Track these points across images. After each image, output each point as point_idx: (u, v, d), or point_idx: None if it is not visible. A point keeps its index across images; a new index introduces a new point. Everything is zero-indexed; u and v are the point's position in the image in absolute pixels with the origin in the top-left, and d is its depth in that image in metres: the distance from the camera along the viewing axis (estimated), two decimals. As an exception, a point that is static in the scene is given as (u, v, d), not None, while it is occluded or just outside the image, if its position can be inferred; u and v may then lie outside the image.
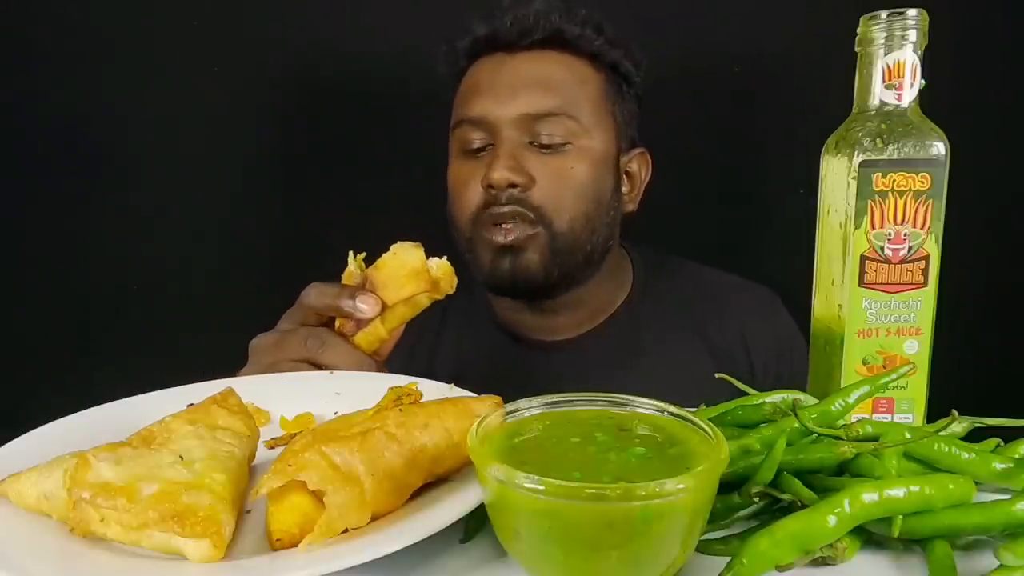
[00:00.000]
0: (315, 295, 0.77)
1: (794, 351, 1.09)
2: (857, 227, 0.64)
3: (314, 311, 0.77)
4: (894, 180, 0.63)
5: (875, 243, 0.64)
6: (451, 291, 0.77)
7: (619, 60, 1.09)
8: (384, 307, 0.76)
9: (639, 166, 1.14)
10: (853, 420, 0.57)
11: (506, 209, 1.01)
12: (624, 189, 1.12)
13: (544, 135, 1.02)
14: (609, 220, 1.08)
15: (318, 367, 0.75)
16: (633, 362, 1.10)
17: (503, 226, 1.02)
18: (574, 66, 1.06)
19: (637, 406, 0.49)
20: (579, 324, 1.14)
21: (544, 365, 1.11)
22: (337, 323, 0.78)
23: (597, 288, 1.12)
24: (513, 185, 1.00)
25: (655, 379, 1.07)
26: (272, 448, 0.61)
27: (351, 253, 0.79)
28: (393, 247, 0.77)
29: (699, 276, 1.19)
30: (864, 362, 0.66)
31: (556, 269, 1.04)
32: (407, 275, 0.76)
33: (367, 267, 0.78)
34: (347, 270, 0.79)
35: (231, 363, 0.78)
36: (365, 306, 0.75)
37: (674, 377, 1.07)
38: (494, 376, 1.11)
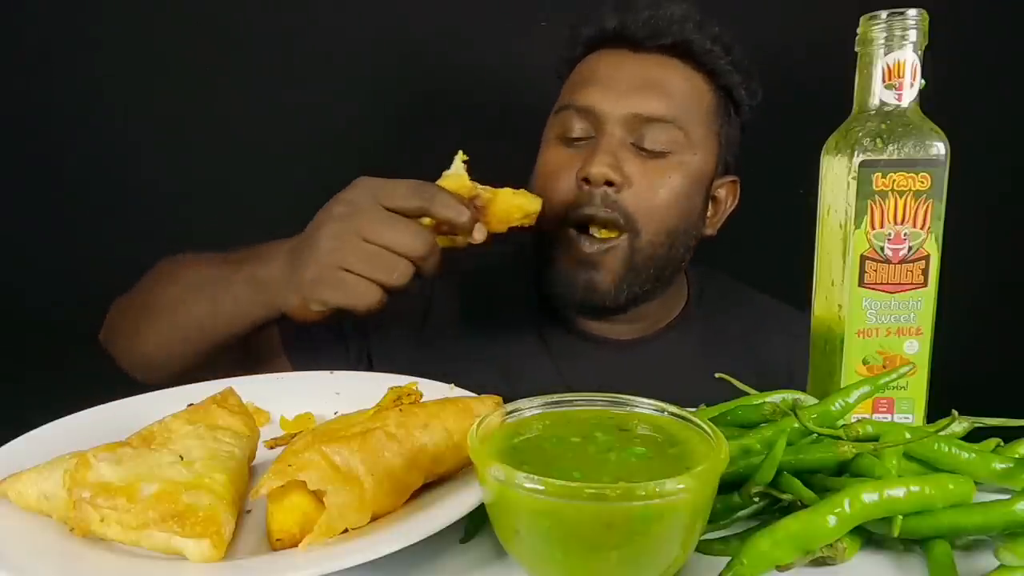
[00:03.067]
0: (444, 201, 0.75)
1: None
2: (857, 227, 0.64)
3: (408, 204, 0.74)
4: (894, 180, 0.63)
5: (875, 243, 0.64)
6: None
7: (736, 85, 1.07)
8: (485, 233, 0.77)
9: (727, 193, 1.13)
10: (853, 420, 0.57)
11: (598, 211, 0.97)
12: (709, 213, 1.10)
13: (648, 139, 1.00)
14: (691, 241, 1.06)
15: (399, 257, 0.72)
16: (683, 371, 1.07)
17: (590, 233, 0.99)
18: (693, 79, 1.04)
19: (637, 406, 0.49)
20: (633, 331, 1.12)
21: (592, 359, 1.10)
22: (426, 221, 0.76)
23: (659, 304, 1.11)
24: (609, 183, 0.97)
25: (702, 390, 1.05)
26: (272, 448, 0.61)
27: (460, 152, 0.78)
28: (515, 191, 0.79)
29: (750, 299, 1.18)
30: (864, 362, 0.66)
31: (626, 287, 1.02)
32: (517, 210, 0.78)
33: (478, 187, 0.79)
34: (452, 172, 0.78)
35: (231, 363, 0.78)
36: (480, 236, 0.77)
37: (720, 394, 1.04)
38: (537, 365, 1.09)
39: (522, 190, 0.79)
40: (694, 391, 0.93)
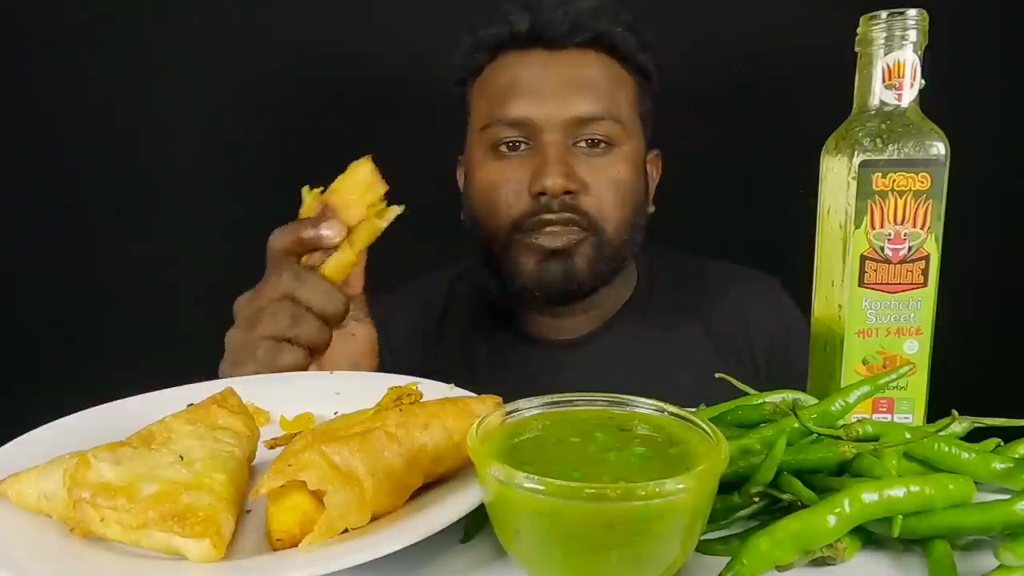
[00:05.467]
0: (278, 237, 0.76)
1: (792, 335, 1.08)
2: (857, 227, 0.64)
3: (282, 254, 0.76)
4: (894, 180, 0.63)
5: (875, 243, 0.64)
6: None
7: (647, 62, 1.08)
8: (347, 229, 0.75)
9: (653, 167, 1.14)
10: (853, 420, 0.57)
11: (557, 216, 0.98)
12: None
13: (592, 138, 1.00)
14: (642, 222, 1.08)
15: (296, 304, 0.74)
16: (639, 358, 1.10)
17: (553, 230, 0.99)
18: (613, 68, 1.05)
19: (637, 406, 0.49)
20: (588, 323, 1.13)
21: (552, 364, 1.11)
22: (304, 259, 0.77)
23: (612, 287, 1.12)
24: (568, 192, 0.98)
25: (662, 376, 1.07)
26: (272, 448, 0.61)
27: (305, 188, 0.78)
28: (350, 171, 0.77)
29: (700, 267, 1.19)
30: (864, 362, 0.66)
31: (601, 275, 1.03)
32: (363, 188, 0.76)
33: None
34: (303, 206, 0.78)
35: (231, 363, 0.78)
36: (329, 231, 0.74)
37: (680, 373, 1.07)
38: (499, 375, 1.10)
39: (357, 166, 0.77)
40: (657, 380, 0.95)
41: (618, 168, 1.02)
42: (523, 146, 1.01)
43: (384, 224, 0.77)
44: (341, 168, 0.78)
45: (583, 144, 1.01)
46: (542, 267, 1.01)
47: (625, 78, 1.06)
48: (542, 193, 0.98)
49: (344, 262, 0.76)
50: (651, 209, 1.13)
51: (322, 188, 0.78)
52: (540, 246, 1.00)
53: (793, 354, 1.07)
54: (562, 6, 1.02)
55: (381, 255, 0.81)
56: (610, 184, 1.01)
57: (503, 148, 1.02)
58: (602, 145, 1.01)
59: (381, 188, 0.76)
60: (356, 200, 0.76)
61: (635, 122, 1.06)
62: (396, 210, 0.77)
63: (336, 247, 0.75)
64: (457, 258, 1.23)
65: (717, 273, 1.18)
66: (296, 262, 0.77)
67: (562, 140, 1.00)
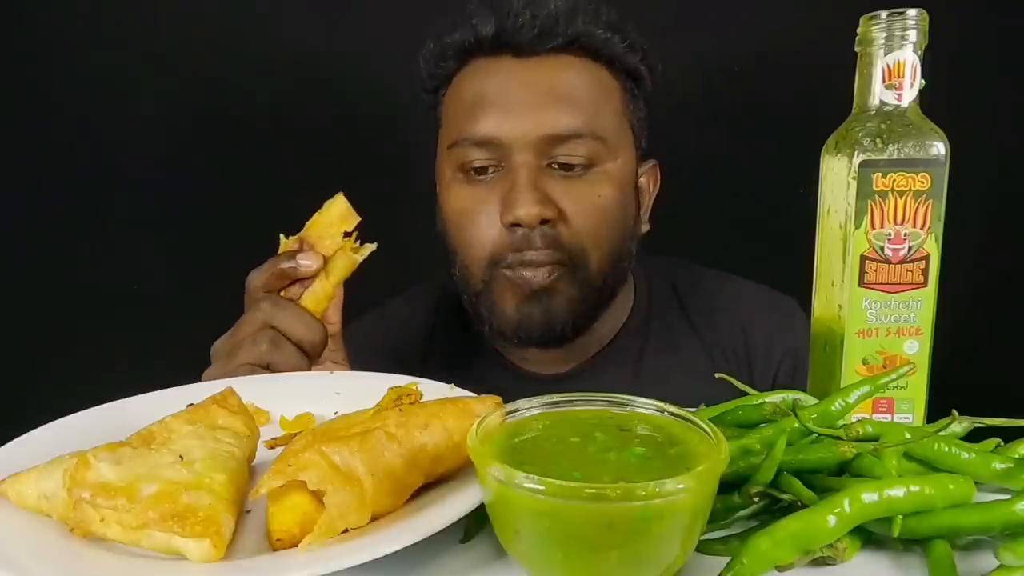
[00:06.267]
0: (255, 276, 0.77)
1: (800, 358, 0.99)
2: (857, 227, 0.64)
3: (261, 290, 0.76)
4: (894, 180, 0.63)
5: (875, 243, 0.64)
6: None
7: (637, 64, 0.96)
8: (324, 260, 0.77)
9: (649, 180, 1.02)
10: (853, 420, 0.57)
11: (539, 255, 0.88)
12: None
13: (565, 156, 0.88)
14: (632, 247, 0.97)
15: (278, 331, 0.74)
16: (634, 391, 1.05)
17: (532, 265, 0.88)
18: (596, 74, 0.92)
19: (637, 406, 0.49)
20: (574, 354, 1.02)
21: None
22: (282, 292, 0.79)
23: (604, 317, 1.01)
24: (544, 221, 0.87)
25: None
26: (272, 448, 0.61)
27: (282, 235, 0.80)
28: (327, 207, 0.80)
29: (712, 288, 1.08)
30: (864, 362, 0.66)
31: (584, 313, 0.93)
32: (338, 221, 0.78)
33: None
34: (280, 248, 0.80)
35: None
36: (306, 260, 0.75)
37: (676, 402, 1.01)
38: None
39: (332, 203, 0.80)
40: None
41: (601, 190, 0.90)
42: (492, 170, 0.90)
43: (360, 259, 0.79)
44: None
45: (559, 163, 0.89)
46: (522, 310, 0.91)
47: (611, 84, 0.94)
48: (516, 224, 0.87)
49: (321, 293, 0.78)
50: (644, 228, 1.02)
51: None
52: (521, 285, 0.89)
53: (800, 380, 1.01)
54: (530, 7, 0.89)
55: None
56: (592, 210, 0.89)
57: (472, 172, 0.91)
58: (580, 166, 0.89)
59: (354, 219, 0.79)
60: (332, 232, 0.79)
61: (623, 134, 0.94)
62: (372, 247, 0.80)
63: (314, 277, 0.77)
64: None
65: (723, 293, 1.07)
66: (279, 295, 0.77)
67: (535, 161, 0.88)
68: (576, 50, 0.91)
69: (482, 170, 0.91)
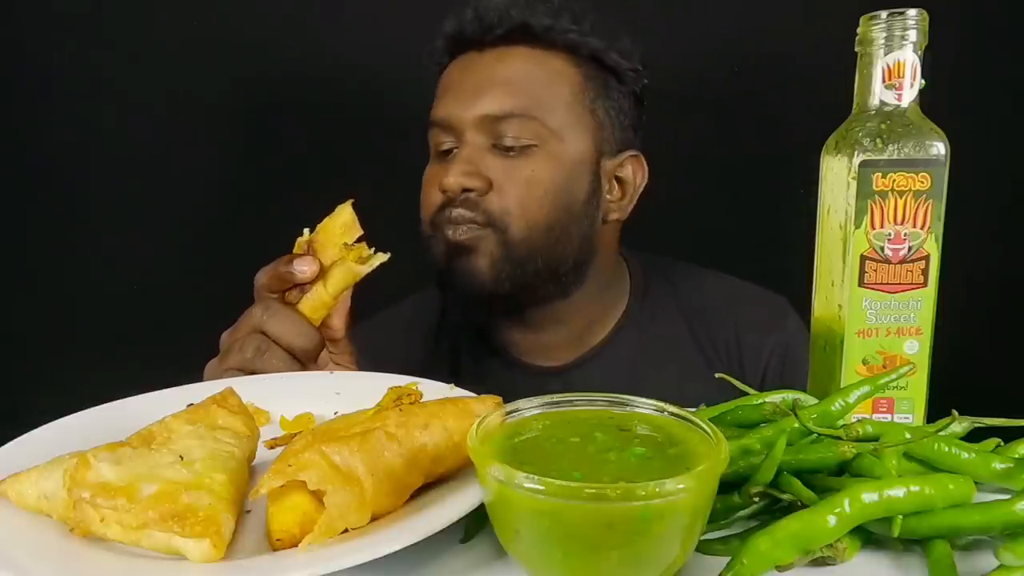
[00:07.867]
0: (261, 275, 0.79)
1: (790, 356, 1.05)
2: (857, 227, 0.64)
3: (264, 289, 0.78)
4: (894, 180, 0.63)
5: (875, 243, 0.64)
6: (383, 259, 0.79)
7: (602, 52, 1.01)
8: (322, 268, 0.78)
9: (632, 171, 1.06)
10: (853, 420, 0.57)
11: (457, 212, 0.98)
12: (614, 195, 1.05)
13: (508, 137, 0.97)
14: (585, 230, 1.02)
15: (267, 336, 0.76)
16: (629, 386, 1.07)
17: (455, 226, 0.98)
18: (546, 62, 1.00)
19: (637, 406, 0.49)
20: (571, 345, 1.09)
21: (537, 390, 1.08)
22: (286, 296, 0.79)
23: (587, 304, 1.07)
24: (468, 190, 0.97)
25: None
26: (272, 448, 0.61)
27: (303, 233, 0.81)
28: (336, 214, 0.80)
29: (707, 286, 1.13)
30: (864, 362, 0.66)
31: (508, 278, 0.99)
32: (342, 230, 0.79)
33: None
34: (298, 240, 0.81)
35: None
36: (303, 266, 0.77)
37: (670, 398, 1.03)
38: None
39: (341, 209, 0.81)
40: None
41: (535, 166, 0.98)
42: (455, 151, 1.01)
43: (367, 270, 0.79)
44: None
45: (503, 143, 0.98)
46: (447, 261, 1.00)
47: (565, 72, 1.00)
48: (444, 191, 0.98)
49: (318, 301, 0.78)
50: (615, 216, 1.06)
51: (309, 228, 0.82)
52: (445, 238, 0.99)
53: (788, 376, 1.03)
54: (472, 5, 1.01)
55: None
56: (521, 183, 0.97)
57: (441, 152, 1.03)
58: (521, 147, 0.98)
59: (356, 232, 0.79)
60: (336, 241, 0.79)
61: (575, 119, 1.00)
62: (381, 257, 0.79)
63: (311, 284, 0.78)
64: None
65: (715, 290, 1.12)
66: (278, 298, 0.79)
67: (479, 139, 0.99)
68: (527, 41, 1.00)
69: (447, 152, 1.02)
